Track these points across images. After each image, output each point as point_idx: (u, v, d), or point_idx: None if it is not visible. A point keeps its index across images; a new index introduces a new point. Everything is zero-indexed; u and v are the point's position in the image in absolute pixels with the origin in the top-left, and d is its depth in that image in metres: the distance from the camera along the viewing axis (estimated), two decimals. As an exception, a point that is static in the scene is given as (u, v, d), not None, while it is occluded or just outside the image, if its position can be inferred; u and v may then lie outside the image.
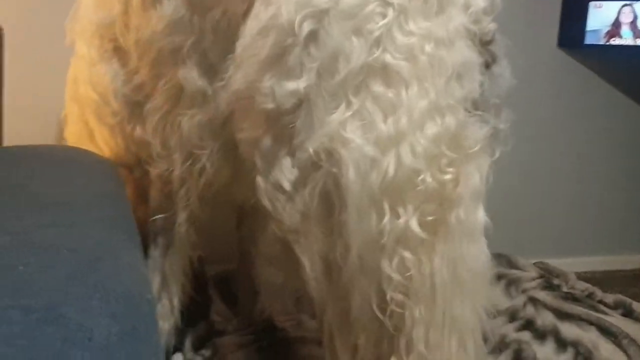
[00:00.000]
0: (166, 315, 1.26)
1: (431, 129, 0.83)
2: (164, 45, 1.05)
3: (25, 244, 0.61)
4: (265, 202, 0.92)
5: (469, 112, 0.86)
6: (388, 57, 0.82)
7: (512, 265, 1.85)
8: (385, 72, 0.82)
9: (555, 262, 1.94)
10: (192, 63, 1.04)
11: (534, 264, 1.89)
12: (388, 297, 0.85)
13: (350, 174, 0.82)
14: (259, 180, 0.92)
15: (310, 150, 0.84)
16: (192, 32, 1.02)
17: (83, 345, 0.45)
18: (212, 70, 1.04)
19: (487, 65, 0.90)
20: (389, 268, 0.84)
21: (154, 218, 1.21)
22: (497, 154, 0.92)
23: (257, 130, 0.91)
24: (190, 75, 1.04)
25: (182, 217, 1.19)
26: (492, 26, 0.90)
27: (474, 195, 0.88)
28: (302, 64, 0.84)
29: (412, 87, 0.82)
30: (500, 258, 1.86)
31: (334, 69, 0.82)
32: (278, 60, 0.86)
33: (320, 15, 0.83)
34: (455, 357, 0.88)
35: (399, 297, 0.85)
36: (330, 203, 0.86)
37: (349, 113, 0.82)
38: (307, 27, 0.83)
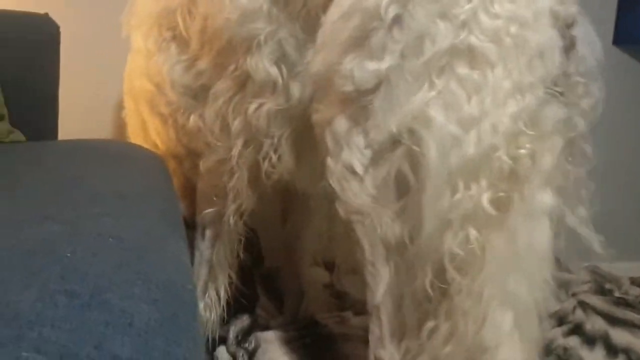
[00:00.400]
0: (212, 307, 1.28)
1: (512, 107, 0.84)
2: (237, 33, 1.07)
3: (75, 233, 0.63)
4: (334, 184, 0.93)
5: (549, 90, 0.87)
6: (474, 40, 0.83)
7: (562, 267, 1.80)
8: (470, 54, 0.84)
9: (608, 266, 1.88)
10: (265, 52, 1.06)
11: (586, 267, 1.84)
12: (448, 274, 0.85)
13: (432, 153, 0.83)
14: (329, 161, 0.94)
15: (393, 128, 0.85)
16: (268, 22, 1.04)
17: (124, 330, 0.46)
18: (285, 60, 1.06)
19: (567, 49, 0.90)
20: (452, 243, 0.85)
21: (204, 211, 1.23)
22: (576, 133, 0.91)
23: (332, 111, 0.93)
24: (262, 64, 1.06)
25: (231, 208, 1.20)
26: (573, 9, 0.90)
27: (543, 175, 0.88)
28: (384, 46, 0.86)
29: (497, 68, 0.84)
30: (551, 260, 1.81)
31: (418, 51, 0.84)
32: (360, 43, 0.89)
33: (404, 0, 0.85)
34: (507, 339, 0.87)
35: (454, 273, 0.86)
36: (403, 184, 0.87)
37: (433, 93, 0.84)
38: (392, 11, 0.86)
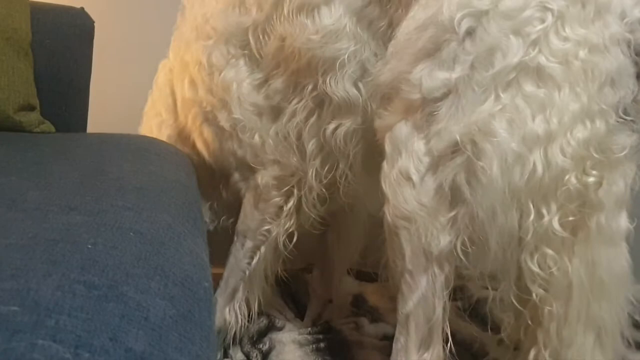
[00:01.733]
0: (239, 313, 1.30)
1: (581, 132, 0.85)
2: (319, 54, 1.09)
3: (97, 225, 0.64)
4: (386, 188, 0.95)
5: (620, 118, 0.88)
6: (543, 59, 0.85)
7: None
8: (538, 73, 0.85)
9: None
10: (347, 72, 1.08)
11: None
12: (533, 292, 0.89)
13: (494, 168, 0.84)
14: (385, 166, 0.96)
15: (457, 137, 0.87)
16: (352, 42, 1.07)
17: (139, 324, 0.47)
18: (364, 79, 1.08)
19: (638, 76, 0.90)
20: (530, 263, 0.88)
21: (249, 223, 1.27)
22: None
23: (394, 117, 0.95)
24: (343, 84, 1.09)
25: (285, 227, 1.25)
26: None
27: (617, 201, 0.90)
28: (456, 57, 0.89)
29: (564, 89, 0.85)
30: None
31: (488, 63, 0.86)
32: (432, 53, 0.91)
33: (479, 14, 0.88)
34: (589, 355, 0.91)
35: (541, 291, 0.89)
36: (457, 196, 0.89)
37: (498, 107, 0.85)
38: (465, 24, 0.88)
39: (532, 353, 0.93)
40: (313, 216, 1.26)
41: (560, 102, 0.84)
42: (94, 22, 1.40)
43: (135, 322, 0.47)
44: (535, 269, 0.88)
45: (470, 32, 0.88)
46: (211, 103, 1.23)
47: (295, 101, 1.16)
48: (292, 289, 1.61)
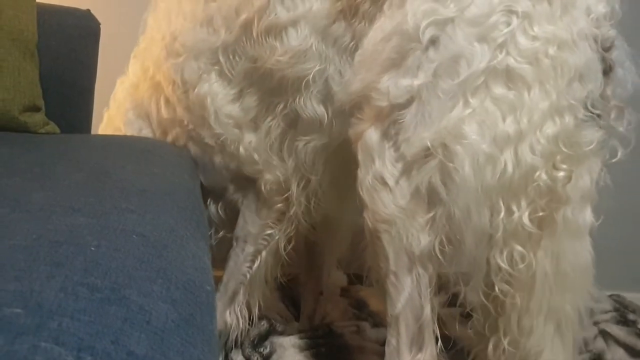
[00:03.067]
0: (239, 316, 1.30)
1: (550, 128, 0.87)
2: (288, 74, 1.10)
3: (101, 227, 0.64)
4: (363, 194, 0.97)
5: (588, 112, 0.89)
6: (511, 61, 0.86)
7: (585, 295, 1.77)
8: (507, 75, 0.86)
9: (632, 297, 1.84)
10: (313, 91, 1.10)
11: (609, 296, 1.80)
12: (496, 286, 0.91)
13: (466, 169, 0.86)
14: (359, 172, 0.98)
15: (427, 142, 0.88)
16: (318, 61, 1.08)
17: (141, 327, 0.47)
18: (330, 98, 1.10)
19: (605, 72, 0.91)
20: (499, 259, 0.90)
21: (249, 228, 1.28)
22: (612, 156, 0.95)
23: (365, 124, 0.97)
24: (310, 103, 1.11)
25: (285, 233, 1.27)
26: (612, 32, 0.91)
27: (583, 196, 0.91)
28: (419, 65, 0.90)
29: (534, 89, 0.86)
30: (574, 286, 1.78)
31: (453, 71, 0.88)
32: (398, 62, 0.93)
33: (444, 22, 0.89)
34: (549, 344, 0.94)
35: (504, 286, 0.91)
36: (433, 196, 0.90)
37: (468, 111, 0.87)
38: (429, 33, 0.89)
39: (491, 341, 0.95)
40: (306, 223, 1.29)
41: (530, 102, 0.86)
42: (99, 24, 1.40)
43: (137, 326, 0.47)
44: (504, 265, 0.90)
45: (433, 41, 0.90)
46: (192, 121, 1.23)
47: (269, 119, 1.18)
48: (292, 293, 1.61)
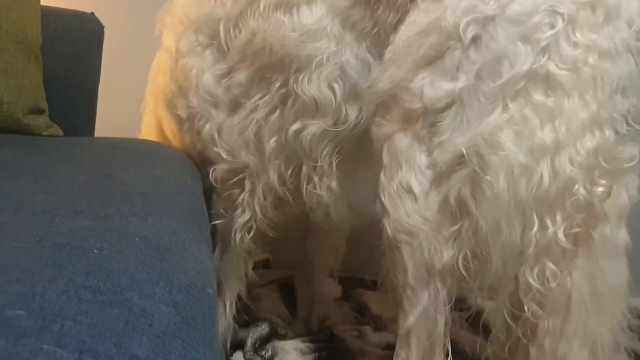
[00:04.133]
0: (220, 315, 1.27)
1: (590, 140, 0.83)
2: (294, 51, 1.05)
3: (104, 229, 0.65)
4: (386, 201, 0.92)
5: (629, 127, 0.86)
6: (552, 67, 0.82)
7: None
8: (547, 81, 0.82)
9: (637, 302, 1.83)
10: (324, 73, 1.05)
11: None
12: (525, 306, 0.86)
13: (500, 182, 0.82)
14: (382, 177, 0.93)
15: (462, 149, 0.84)
16: (333, 43, 1.04)
17: (143, 330, 0.47)
18: (343, 81, 1.05)
19: None
20: (529, 276, 0.85)
21: (213, 223, 1.20)
22: None
23: (394, 126, 0.93)
24: (317, 84, 1.05)
25: (238, 223, 1.20)
26: None
27: (620, 213, 0.88)
28: (460, 65, 0.86)
29: (573, 97, 0.82)
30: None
31: (495, 72, 0.83)
32: (434, 61, 0.88)
33: (485, 21, 0.85)
34: None
35: (535, 307, 0.86)
36: (461, 209, 0.86)
37: (506, 117, 0.83)
38: (471, 31, 0.85)
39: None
40: (266, 217, 1.20)
41: (569, 111, 0.82)
42: (103, 27, 1.41)
43: (139, 329, 0.47)
44: (534, 283, 0.85)
45: (475, 40, 0.85)
46: (171, 89, 1.21)
47: (257, 96, 1.12)
48: (293, 295, 1.61)
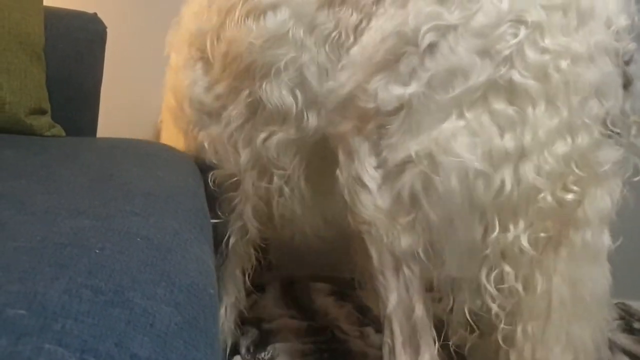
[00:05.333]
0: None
1: (561, 147, 0.82)
2: (258, 58, 1.07)
3: (105, 229, 0.64)
4: (345, 195, 0.95)
5: (606, 130, 0.84)
6: (516, 75, 0.81)
7: (590, 302, 1.76)
8: (510, 90, 0.81)
9: (638, 305, 1.83)
10: (284, 79, 1.06)
11: (615, 304, 1.79)
12: (493, 311, 0.86)
13: (453, 181, 0.82)
14: (339, 173, 0.96)
15: (412, 152, 0.85)
16: (293, 48, 1.04)
17: (144, 330, 0.47)
18: (303, 88, 1.05)
19: (624, 86, 0.87)
20: (485, 278, 0.85)
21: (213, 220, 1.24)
22: (635, 174, 0.90)
23: (348, 125, 0.94)
24: (278, 91, 1.06)
25: (235, 226, 1.22)
26: (631, 46, 0.87)
27: (602, 218, 0.87)
28: (412, 72, 0.86)
29: (540, 105, 0.81)
30: (578, 294, 1.77)
31: (448, 84, 0.83)
32: (391, 65, 0.88)
33: (446, 29, 0.84)
34: None
35: (496, 309, 0.86)
36: (414, 202, 0.87)
37: (461, 124, 0.82)
38: (429, 38, 0.84)
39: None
40: (255, 225, 1.22)
41: (534, 119, 0.81)
42: (106, 27, 1.41)
43: (140, 328, 0.47)
44: (489, 285, 0.85)
45: (432, 47, 0.84)
46: (173, 103, 1.26)
47: (231, 107, 1.14)
48: (296, 298, 1.61)
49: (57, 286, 0.49)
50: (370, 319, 1.55)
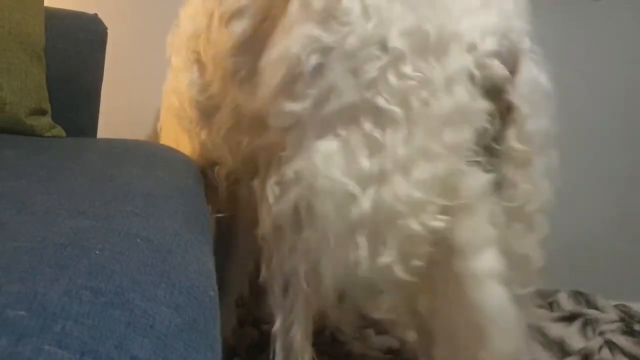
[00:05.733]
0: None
1: (418, 174, 0.81)
2: (228, 64, 1.08)
3: (105, 230, 0.64)
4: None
5: (471, 159, 0.84)
6: (381, 100, 0.82)
7: (590, 304, 1.76)
8: (376, 113, 0.82)
9: (639, 307, 1.83)
10: (249, 87, 1.05)
11: (615, 306, 1.79)
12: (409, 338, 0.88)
13: (326, 203, 0.83)
14: (255, 183, 0.99)
15: (291, 173, 0.87)
16: (252, 56, 1.04)
17: (144, 332, 0.47)
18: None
19: (502, 113, 0.86)
20: (361, 299, 0.87)
21: (217, 215, 1.26)
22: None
23: (260, 141, 0.98)
24: (249, 100, 1.05)
25: (243, 222, 1.24)
26: (502, 72, 0.85)
27: (477, 243, 0.85)
28: (303, 91, 0.87)
29: (401, 130, 0.81)
30: (579, 296, 1.78)
31: (327, 102, 0.85)
32: (288, 87, 0.90)
33: (325, 50, 0.86)
34: None
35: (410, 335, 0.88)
36: (299, 221, 0.88)
37: (335, 144, 0.84)
38: (313, 60, 0.86)
39: None
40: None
41: (394, 143, 0.81)
42: (107, 28, 1.41)
43: (140, 330, 0.46)
44: (376, 311, 0.86)
45: (317, 68, 0.87)
46: (177, 105, 1.27)
47: (219, 112, 1.17)
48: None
49: (57, 287, 0.48)
50: (372, 320, 1.54)
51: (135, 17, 1.71)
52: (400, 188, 0.81)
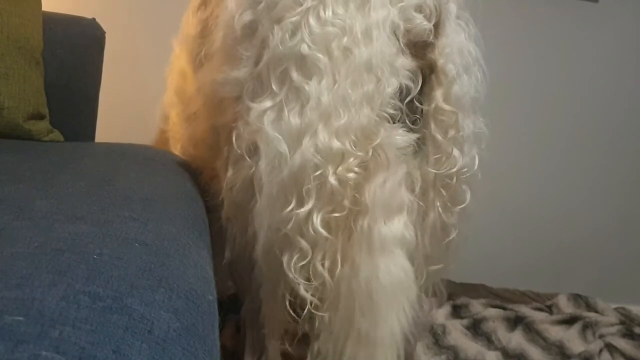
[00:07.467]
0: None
1: (336, 122, 0.79)
2: (193, 47, 1.12)
3: (102, 235, 0.64)
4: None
5: (387, 111, 0.82)
6: (304, 47, 0.80)
7: (590, 307, 1.76)
8: (302, 62, 0.80)
9: (638, 310, 1.83)
10: (207, 65, 1.06)
11: (615, 308, 1.79)
12: (307, 299, 0.82)
13: (263, 164, 0.82)
14: (217, 164, 0.98)
15: (245, 143, 0.86)
16: (209, 38, 1.06)
17: (143, 337, 0.47)
18: None
19: (424, 71, 0.84)
20: (289, 262, 0.82)
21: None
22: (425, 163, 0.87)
23: (219, 120, 0.96)
24: (206, 77, 1.05)
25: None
26: (426, 26, 0.84)
27: (387, 205, 0.82)
28: (243, 54, 0.87)
29: (326, 78, 0.80)
30: (578, 299, 1.77)
31: (259, 57, 0.84)
32: (227, 53, 0.90)
33: (255, 5, 0.85)
34: None
35: (314, 299, 0.82)
36: (251, 194, 0.86)
37: (269, 104, 0.83)
38: (246, 17, 0.86)
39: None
40: None
41: (319, 92, 0.79)
42: (105, 32, 1.41)
43: (139, 335, 0.46)
44: (291, 270, 0.81)
45: (249, 27, 0.86)
46: (177, 94, 1.28)
47: None
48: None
49: (55, 292, 0.48)
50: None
51: (133, 22, 1.71)
52: (320, 139, 0.79)
